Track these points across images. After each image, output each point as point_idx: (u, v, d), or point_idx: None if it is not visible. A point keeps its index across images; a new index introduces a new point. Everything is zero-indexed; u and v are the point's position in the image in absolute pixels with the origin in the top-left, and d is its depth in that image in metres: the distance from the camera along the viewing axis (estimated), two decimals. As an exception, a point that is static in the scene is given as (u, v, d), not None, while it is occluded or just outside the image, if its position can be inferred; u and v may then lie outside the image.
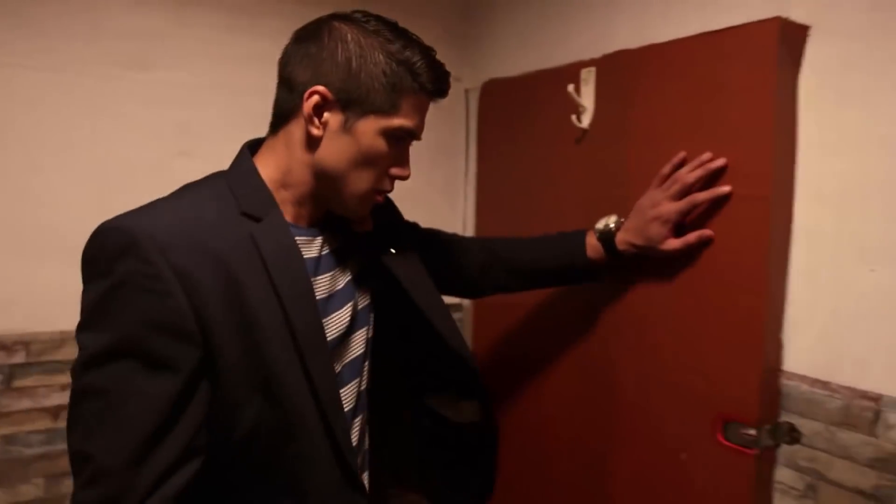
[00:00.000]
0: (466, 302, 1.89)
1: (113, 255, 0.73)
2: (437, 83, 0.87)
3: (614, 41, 1.34)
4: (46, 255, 1.32)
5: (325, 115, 0.83)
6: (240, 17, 1.49)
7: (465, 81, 1.81)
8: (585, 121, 1.37)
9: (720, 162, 1.09)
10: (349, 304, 0.95)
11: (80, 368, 0.73)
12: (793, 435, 1.08)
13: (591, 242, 1.23)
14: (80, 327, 0.75)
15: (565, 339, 1.44)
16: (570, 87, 1.33)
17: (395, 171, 0.90)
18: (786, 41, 1.02)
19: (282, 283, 0.81)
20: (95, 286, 0.74)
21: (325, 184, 0.87)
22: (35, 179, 1.31)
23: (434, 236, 1.26)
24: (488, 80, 1.70)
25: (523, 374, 1.59)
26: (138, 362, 0.72)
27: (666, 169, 1.17)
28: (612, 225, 1.21)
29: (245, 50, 1.49)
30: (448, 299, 1.13)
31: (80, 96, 1.33)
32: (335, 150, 0.84)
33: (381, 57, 0.82)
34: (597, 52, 1.35)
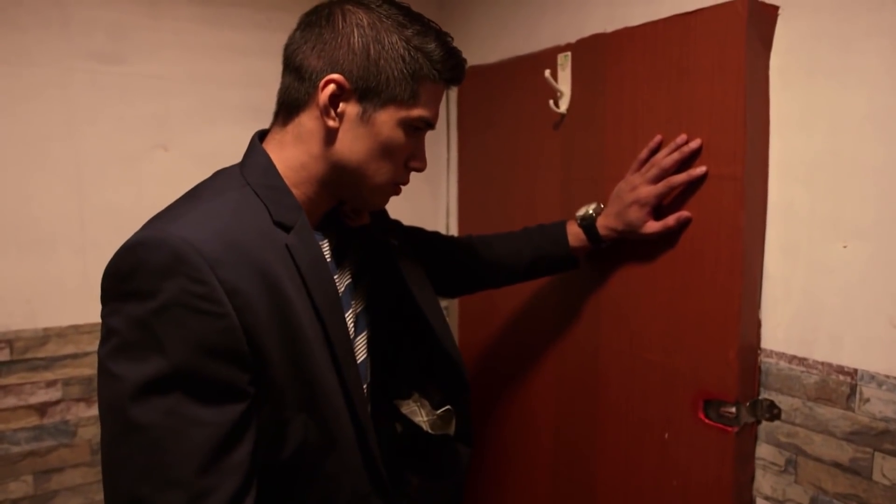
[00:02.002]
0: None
1: (158, 272, 0.67)
2: (454, 70, 0.84)
3: (590, 25, 1.34)
4: (26, 251, 1.32)
5: (342, 105, 0.79)
6: (214, 8, 1.48)
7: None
8: (563, 105, 1.37)
9: (695, 144, 1.09)
10: (351, 309, 0.92)
11: (121, 401, 0.66)
12: (772, 412, 1.09)
13: (573, 231, 1.23)
14: (114, 353, 0.68)
15: (548, 325, 1.45)
16: (547, 73, 1.33)
17: (413, 163, 0.87)
18: (755, 21, 1.02)
19: (317, 296, 0.78)
20: (134, 307, 0.67)
21: (342, 179, 0.83)
22: (12, 175, 1.30)
23: (418, 234, 1.24)
24: (467, 68, 1.69)
25: (507, 361, 1.60)
26: (193, 391, 0.67)
27: (643, 153, 1.17)
28: (592, 211, 1.22)
29: (221, 41, 1.48)
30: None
31: (54, 91, 1.32)
32: (353, 143, 0.80)
33: (399, 42, 0.78)
34: (573, 37, 1.35)
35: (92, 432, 1.41)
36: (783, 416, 1.07)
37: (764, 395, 1.10)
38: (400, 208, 1.55)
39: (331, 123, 0.79)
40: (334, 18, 0.80)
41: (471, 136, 1.73)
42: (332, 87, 0.78)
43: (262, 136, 0.87)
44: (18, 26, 1.26)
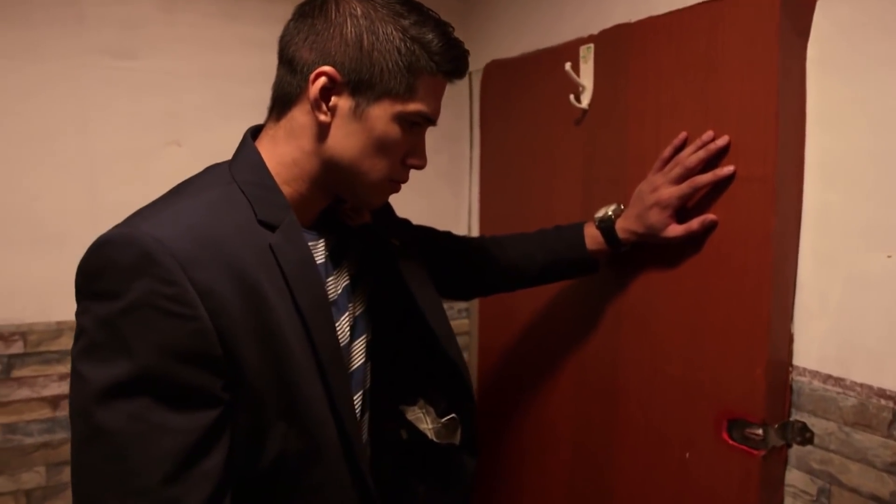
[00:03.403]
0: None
1: (127, 271, 0.64)
2: (455, 63, 0.79)
3: (614, 15, 1.26)
4: (40, 246, 1.32)
5: (334, 99, 0.75)
6: (229, 2, 1.46)
7: (469, 64, 1.74)
8: (585, 100, 1.29)
9: (722, 142, 1.01)
10: (348, 312, 0.88)
11: (87, 405, 0.64)
12: (805, 435, 0.99)
13: (591, 233, 1.16)
14: (82, 354, 0.65)
15: (567, 331, 1.38)
16: (568, 66, 1.25)
17: (411, 160, 0.82)
18: (790, 8, 0.93)
19: (302, 298, 0.74)
20: (102, 307, 0.65)
21: (335, 175, 0.79)
22: (26, 172, 1.31)
23: (427, 234, 1.19)
24: (490, 62, 1.64)
25: (526, 367, 1.53)
26: (161, 396, 0.65)
27: (666, 151, 1.09)
28: (611, 213, 1.14)
29: (236, 35, 1.46)
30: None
31: (68, 87, 1.32)
32: (345, 139, 0.76)
33: (394, 33, 0.74)
34: (596, 28, 1.28)
35: (104, 427, 1.41)
36: (816, 440, 0.98)
37: (795, 416, 1.01)
38: (420, 207, 1.51)
39: (322, 118, 0.76)
40: (327, 8, 0.76)
41: (493, 134, 1.67)
42: (323, 79, 0.74)
43: (256, 131, 0.83)
44: (31, 23, 1.27)
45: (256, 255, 0.72)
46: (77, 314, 0.68)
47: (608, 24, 1.25)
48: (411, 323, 0.97)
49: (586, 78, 1.29)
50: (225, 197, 0.75)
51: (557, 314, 1.42)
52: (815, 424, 0.98)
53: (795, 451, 1.01)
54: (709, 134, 1.03)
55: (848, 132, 0.93)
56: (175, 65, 1.41)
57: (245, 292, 0.70)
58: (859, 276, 0.92)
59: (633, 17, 1.20)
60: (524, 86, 1.50)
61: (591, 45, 1.27)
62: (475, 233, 1.78)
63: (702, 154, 1.03)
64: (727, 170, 1.00)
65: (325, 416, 0.77)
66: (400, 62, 0.75)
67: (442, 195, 1.78)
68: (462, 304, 1.85)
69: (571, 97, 1.29)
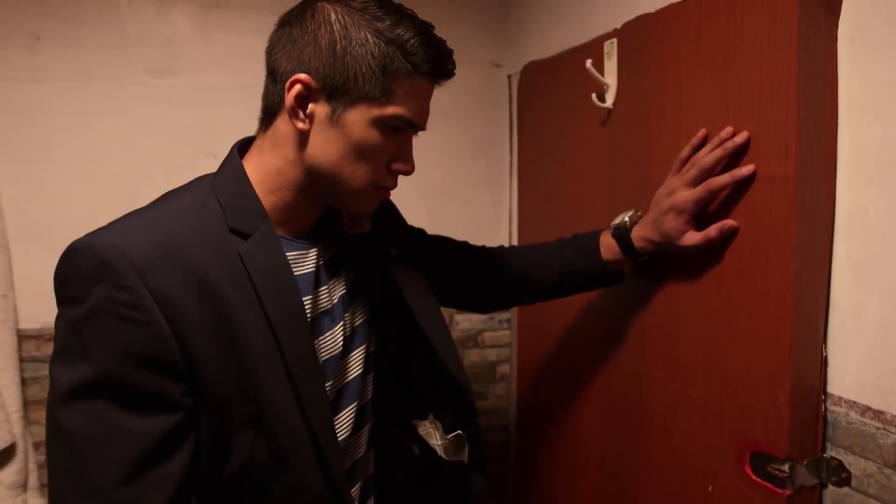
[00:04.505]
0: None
1: (85, 279, 0.66)
2: (434, 63, 0.76)
3: (638, 6, 1.16)
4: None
5: (310, 106, 0.75)
6: (263, 17, 1.50)
7: (507, 67, 1.69)
8: (609, 99, 1.21)
9: (740, 139, 0.90)
10: (342, 322, 0.87)
11: (54, 406, 0.67)
12: (840, 475, 0.86)
13: (607, 242, 1.08)
14: (54, 357, 0.68)
15: (597, 348, 1.29)
16: (588, 63, 1.17)
17: (396, 166, 0.80)
18: (813, -20, 0.81)
19: (271, 307, 0.73)
20: (68, 313, 0.67)
21: (318, 183, 0.79)
22: (72, 182, 1.41)
23: (441, 244, 1.15)
24: (527, 63, 1.58)
25: (560, 384, 1.45)
26: (117, 399, 0.66)
27: (684, 151, 0.99)
28: (627, 220, 1.06)
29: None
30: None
31: (114, 105, 1.42)
32: (324, 145, 0.76)
33: (368, 37, 0.73)
34: (620, 22, 1.19)
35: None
36: (853, 481, 0.84)
37: (831, 452, 0.87)
38: (458, 216, 1.48)
39: (300, 125, 0.76)
40: (304, 16, 0.76)
41: (529, 138, 1.61)
42: (298, 87, 0.74)
43: (245, 143, 0.85)
44: (77, 44, 1.38)
45: (223, 263, 0.72)
46: (55, 319, 0.71)
47: (631, 16, 1.16)
48: (411, 335, 0.94)
49: (610, 75, 1.20)
50: (198, 205, 0.76)
51: (586, 328, 1.34)
52: (853, 463, 0.84)
53: (831, 492, 0.87)
54: (727, 130, 0.92)
55: (888, 122, 0.79)
56: (210, 80, 1.48)
57: (206, 299, 0.70)
58: (901, 290, 0.78)
59: (656, 6, 1.10)
60: (556, 87, 1.43)
61: (615, 41, 1.19)
62: (515, 242, 1.72)
63: (718, 153, 0.92)
64: (746, 169, 0.89)
65: (295, 427, 0.76)
66: (374, 65, 0.73)
67: (480, 203, 1.73)
68: (503, 315, 1.80)
69: (594, 96, 1.21)
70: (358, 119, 0.75)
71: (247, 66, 1.50)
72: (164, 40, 1.44)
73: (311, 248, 0.84)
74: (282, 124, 0.77)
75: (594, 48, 1.25)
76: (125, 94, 1.42)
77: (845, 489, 0.85)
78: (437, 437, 0.98)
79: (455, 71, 0.81)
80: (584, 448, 1.34)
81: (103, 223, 1.40)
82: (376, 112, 0.75)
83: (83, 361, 0.66)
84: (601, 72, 1.21)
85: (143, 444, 0.67)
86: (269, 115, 0.79)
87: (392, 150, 0.79)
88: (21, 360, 1.38)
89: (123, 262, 0.66)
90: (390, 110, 0.75)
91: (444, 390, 0.97)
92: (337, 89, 0.74)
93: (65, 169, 1.40)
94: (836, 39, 0.84)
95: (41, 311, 1.39)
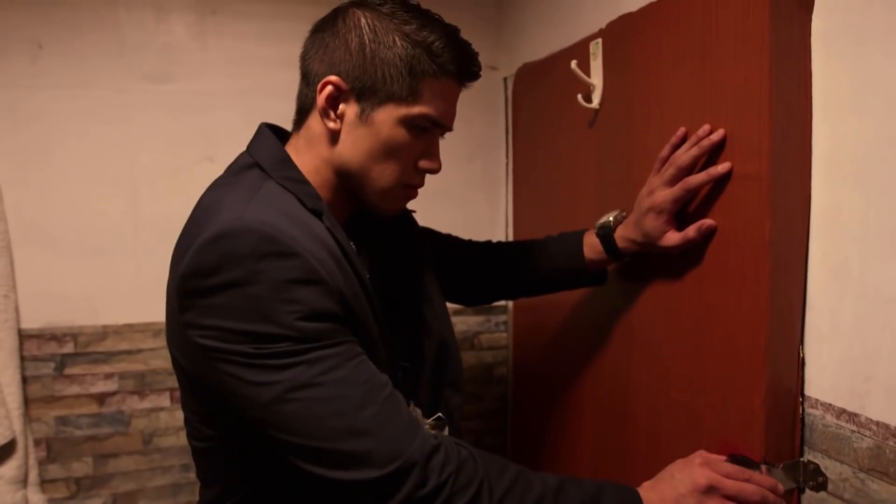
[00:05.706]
0: (510, 303, 1.77)
1: (249, 258, 0.68)
2: (460, 64, 0.80)
3: (622, 5, 1.16)
4: (88, 255, 1.46)
5: (341, 106, 0.79)
6: (259, 23, 1.53)
7: (503, 69, 1.69)
8: (596, 100, 1.20)
9: (717, 136, 0.89)
10: None
11: (268, 373, 0.68)
12: (818, 479, 0.84)
13: (591, 241, 1.08)
14: (227, 336, 0.69)
15: (586, 349, 1.28)
16: (573, 64, 1.17)
17: (423, 164, 0.84)
18: (784, -26, 0.80)
19: (359, 273, 0.79)
20: (236, 293, 0.68)
21: (349, 181, 0.83)
22: (73, 185, 1.45)
23: (444, 240, 1.18)
24: (521, 66, 1.58)
25: (552, 386, 1.44)
26: (328, 346, 0.70)
27: (664, 150, 0.98)
28: (611, 220, 1.06)
29: (266, 54, 1.53)
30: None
31: (112, 111, 1.45)
32: (354, 144, 0.80)
33: (396, 39, 0.77)
34: (605, 22, 1.18)
35: (144, 423, 1.52)
36: (830, 486, 0.82)
37: (809, 455, 0.85)
38: (455, 219, 1.48)
39: (331, 125, 0.79)
40: (336, 22, 0.81)
41: (523, 140, 1.61)
42: (329, 88, 0.78)
43: (276, 129, 0.88)
44: (75, 50, 1.41)
45: (326, 236, 0.77)
46: (196, 317, 0.70)
47: (615, 16, 1.15)
48: (417, 330, 0.97)
49: (596, 76, 1.20)
50: (279, 190, 0.78)
51: (575, 329, 1.33)
52: (829, 467, 0.82)
53: (808, 497, 0.85)
54: (705, 128, 0.91)
55: (862, 119, 0.78)
56: (208, 86, 1.50)
57: (337, 264, 0.75)
58: (875, 290, 0.76)
59: (638, 5, 1.09)
60: (547, 89, 1.43)
61: (599, 41, 1.18)
62: (512, 243, 1.72)
63: (695, 151, 0.91)
64: (723, 167, 0.88)
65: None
66: (401, 66, 0.77)
67: (477, 205, 1.73)
68: (500, 317, 1.79)
69: (580, 97, 1.21)
70: (386, 118, 0.78)
71: (243, 72, 1.53)
72: (161, 47, 1.47)
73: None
74: (314, 124, 0.82)
75: (581, 49, 1.25)
76: (124, 99, 1.45)
77: (822, 493, 0.83)
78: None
79: (480, 73, 0.84)
80: (577, 450, 1.33)
81: (103, 225, 1.45)
82: (403, 111, 0.78)
83: (279, 327, 0.68)
84: (587, 72, 1.20)
85: (368, 367, 0.73)
86: (302, 115, 0.84)
87: (419, 149, 0.83)
88: (22, 358, 1.41)
89: (280, 233, 0.69)
90: (417, 110, 0.79)
91: (426, 366, 0.97)
92: (366, 90, 0.78)
93: (65, 172, 1.44)
94: (809, 34, 0.82)
95: (42, 311, 1.44)
